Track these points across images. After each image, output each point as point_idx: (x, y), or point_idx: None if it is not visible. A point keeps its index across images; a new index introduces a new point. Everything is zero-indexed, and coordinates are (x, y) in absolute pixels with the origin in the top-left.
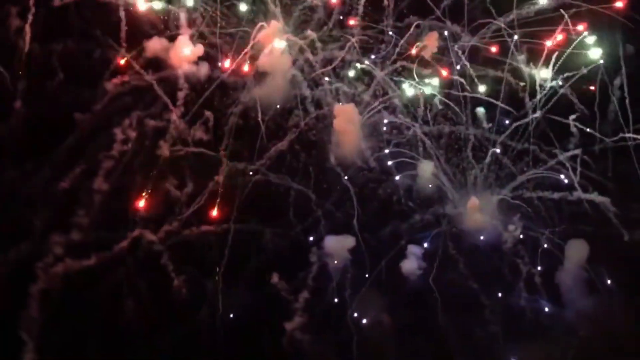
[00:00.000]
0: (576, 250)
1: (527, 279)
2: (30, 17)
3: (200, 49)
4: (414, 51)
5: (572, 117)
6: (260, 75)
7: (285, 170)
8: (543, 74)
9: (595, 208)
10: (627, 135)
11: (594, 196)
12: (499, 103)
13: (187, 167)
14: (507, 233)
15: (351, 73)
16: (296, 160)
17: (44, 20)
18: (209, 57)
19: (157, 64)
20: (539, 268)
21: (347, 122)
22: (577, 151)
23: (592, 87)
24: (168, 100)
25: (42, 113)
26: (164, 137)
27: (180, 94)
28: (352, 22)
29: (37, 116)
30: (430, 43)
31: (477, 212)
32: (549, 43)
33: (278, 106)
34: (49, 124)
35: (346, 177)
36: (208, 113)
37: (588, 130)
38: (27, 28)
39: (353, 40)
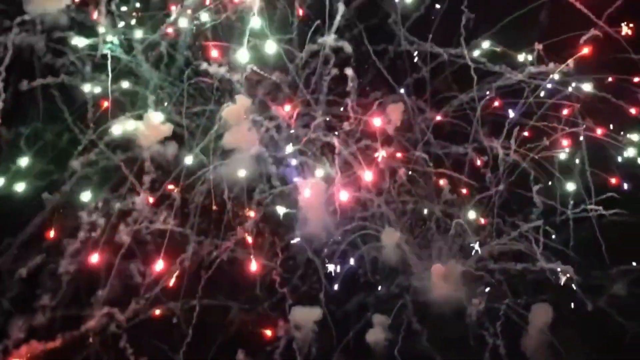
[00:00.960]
0: (540, 315)
1: (492, 349)
2: None
3: (168, 129)
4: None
5: (536, 188)
6: (226, 153)
7: (251, 246)
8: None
9: (559, 277)
10: (589, 207)
11: (557, 265)
12: (462, 177)
13: (154, 246)
14: (472, 306)
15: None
16: (262, 235)
17: (12, 104)
18: (176, 136)
19: (124, 143)
20: (501, 340)
21: (312, 197)
22: (539, 222)
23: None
24: (136, 182)
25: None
26: (128, 220)
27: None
28: (287, 107)
29: (4, 198)
30: (394, 117)
31: (441, 280)
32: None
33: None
34: (17, 205)
35: (312, 252)
36: (174, 192)
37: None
38: None
39: (319, 119)
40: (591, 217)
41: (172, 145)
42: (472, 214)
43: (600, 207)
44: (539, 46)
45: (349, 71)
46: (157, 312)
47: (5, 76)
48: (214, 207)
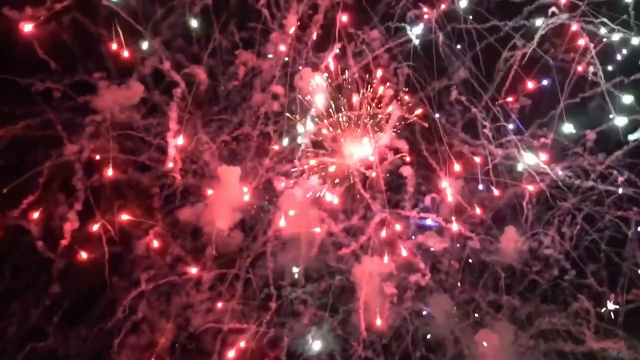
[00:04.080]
0: None
1: None
2: None
3: (235, 216)
4: None
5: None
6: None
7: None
8: None
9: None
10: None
11: (607, 344)
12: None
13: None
14: None
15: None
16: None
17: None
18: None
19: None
20: None
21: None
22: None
23: None
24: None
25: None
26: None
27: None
28: None
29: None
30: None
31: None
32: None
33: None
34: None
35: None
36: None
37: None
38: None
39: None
40: None
41: (238, 233)
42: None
43: None
44: (590, 135)
45: (406, 170)
46: None
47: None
48: (272, 305)
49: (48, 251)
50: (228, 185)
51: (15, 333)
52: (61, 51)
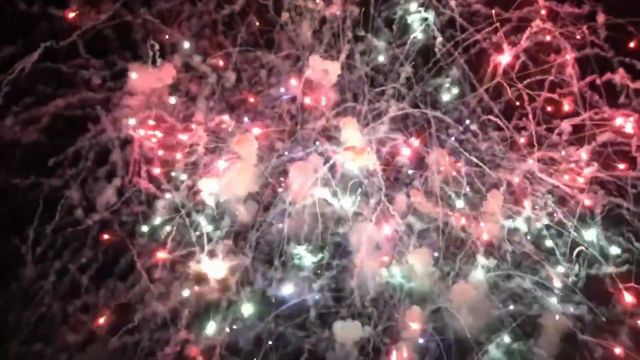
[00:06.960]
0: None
1: None
2: None
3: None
4: None
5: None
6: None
7: None
8: None
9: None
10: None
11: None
12: None
13: None
14: None
15: None
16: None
17: None
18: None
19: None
20: None
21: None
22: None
23: None
24: None
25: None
26: None
27: None
28: None
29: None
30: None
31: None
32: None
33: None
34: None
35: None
36: None
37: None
38: None
39: None
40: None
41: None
42: None
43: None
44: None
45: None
46: None
47: None
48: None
49: (85, 219)
50: (245, 152)
51: (54, 289)
52: (100, 42)
